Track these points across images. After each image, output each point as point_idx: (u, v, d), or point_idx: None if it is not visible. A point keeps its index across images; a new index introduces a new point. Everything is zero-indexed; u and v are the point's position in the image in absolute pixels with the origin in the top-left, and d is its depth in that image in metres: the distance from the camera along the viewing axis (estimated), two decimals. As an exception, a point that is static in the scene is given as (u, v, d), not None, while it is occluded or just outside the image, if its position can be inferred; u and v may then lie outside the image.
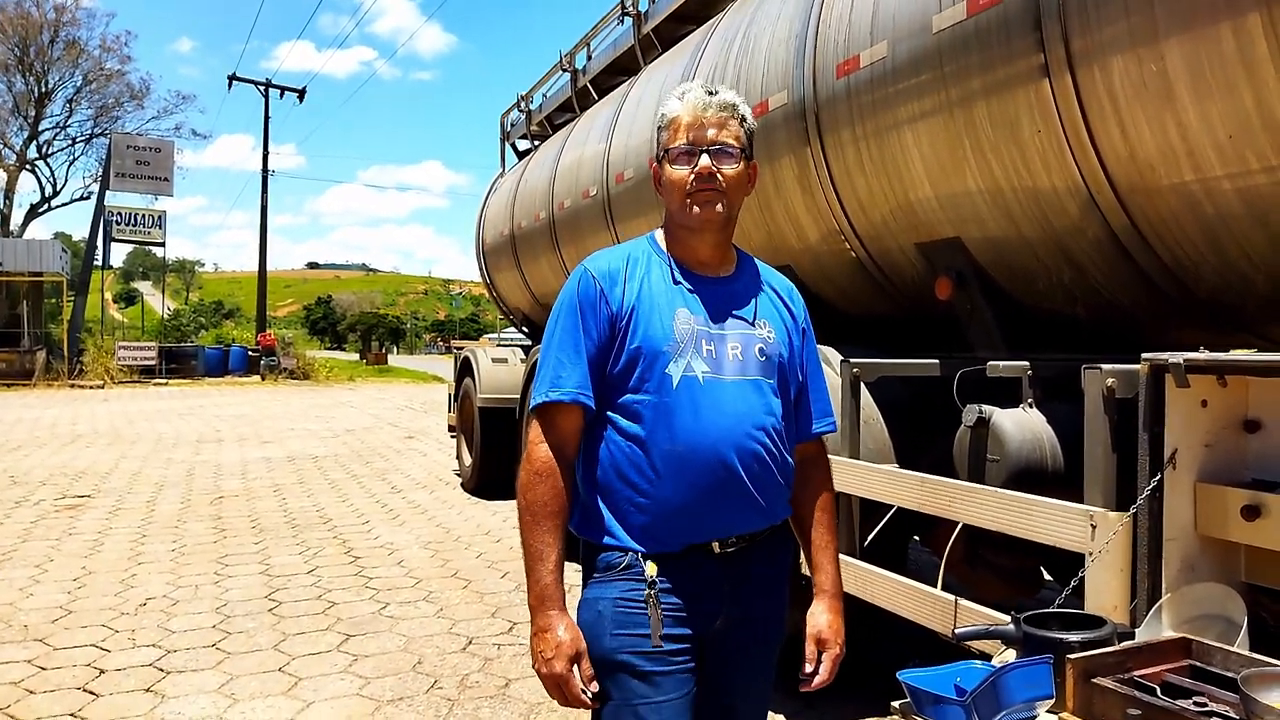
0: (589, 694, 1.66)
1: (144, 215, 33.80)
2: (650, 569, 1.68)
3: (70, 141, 38.48)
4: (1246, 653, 1.76)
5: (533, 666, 1.69)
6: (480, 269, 10.08)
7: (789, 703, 3.69)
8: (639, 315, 1.71)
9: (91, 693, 3.85)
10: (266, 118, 36.53)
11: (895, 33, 3.40)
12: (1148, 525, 2.15)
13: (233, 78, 35.79)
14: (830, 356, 3.69)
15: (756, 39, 4.46)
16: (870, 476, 3.22)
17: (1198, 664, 1.75)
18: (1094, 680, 1.66)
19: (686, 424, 1.67)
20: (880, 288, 4.01)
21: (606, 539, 1.71)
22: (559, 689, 1.65)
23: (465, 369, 8.80)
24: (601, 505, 1.72)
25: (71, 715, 3.63)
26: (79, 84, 36.96)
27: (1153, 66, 2.47)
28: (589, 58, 7.88)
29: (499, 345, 9.12)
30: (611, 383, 1.72)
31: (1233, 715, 1.53)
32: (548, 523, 1.67)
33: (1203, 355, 2.04)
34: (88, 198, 37.64)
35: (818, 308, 4.34)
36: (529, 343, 8.97)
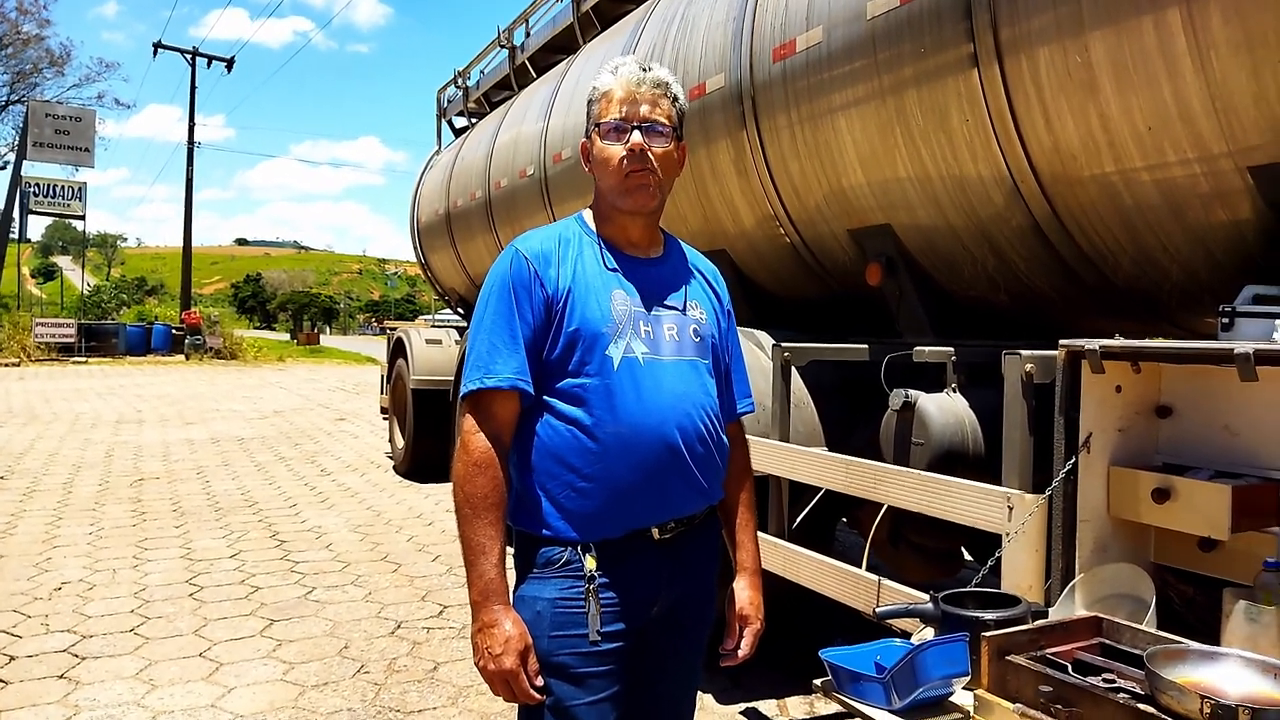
0: (536, 689, 1.62)
1: (63, 187, 32.57)
2: (589, 563, 1.65)
3: (-16, 108, 36.89)
4: (1154, 631, 1.83)
5: (476, 663, 1.63)
6: (415, 248, 9.92)
7: (717, 680, 3.73)
8: (575, 297, 1.68)
9: (1, 680, 3.72)
10: (193, 88, 35.38)
11: (831, 18, 3.41)
12: (1062, 507, 2.20)
13: (158, 45, 34.55)
14: (762, 340, 3.72)
15: (695, 20, 4.44)
16: (799, 459, 3.25)
17: (1108, 642, 1.80)
18: (1008, 658, 1.69)
19: (629, 405, 1.65)
20: (813, 273, 4.05)
21: (544, 530, 1.67)
22: (506, 685, 1.61)
23: (398, 350, 8.67)
24: (538, 492, 1.68)
25: (-22, 703, 3.50)
26: (-7, 48, 35.42)
27: (1077, 58, 2.52)
28: (528, 35, 7.79)
29: (433, 326, 8.99)
30: (549, 367, 1.68)
31: (1139, 691, 1.58)
32: (489, 515, 1.62)
33: (1117, 342, 2.09)
34: (3, 168, 36.21)
35: (751, 292, 4.38)
36: (464, 324, 8.87)
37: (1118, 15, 2.40)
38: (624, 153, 1.69)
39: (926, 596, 2.12)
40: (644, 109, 1.71)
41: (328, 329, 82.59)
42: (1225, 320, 2.17)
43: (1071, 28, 2.52)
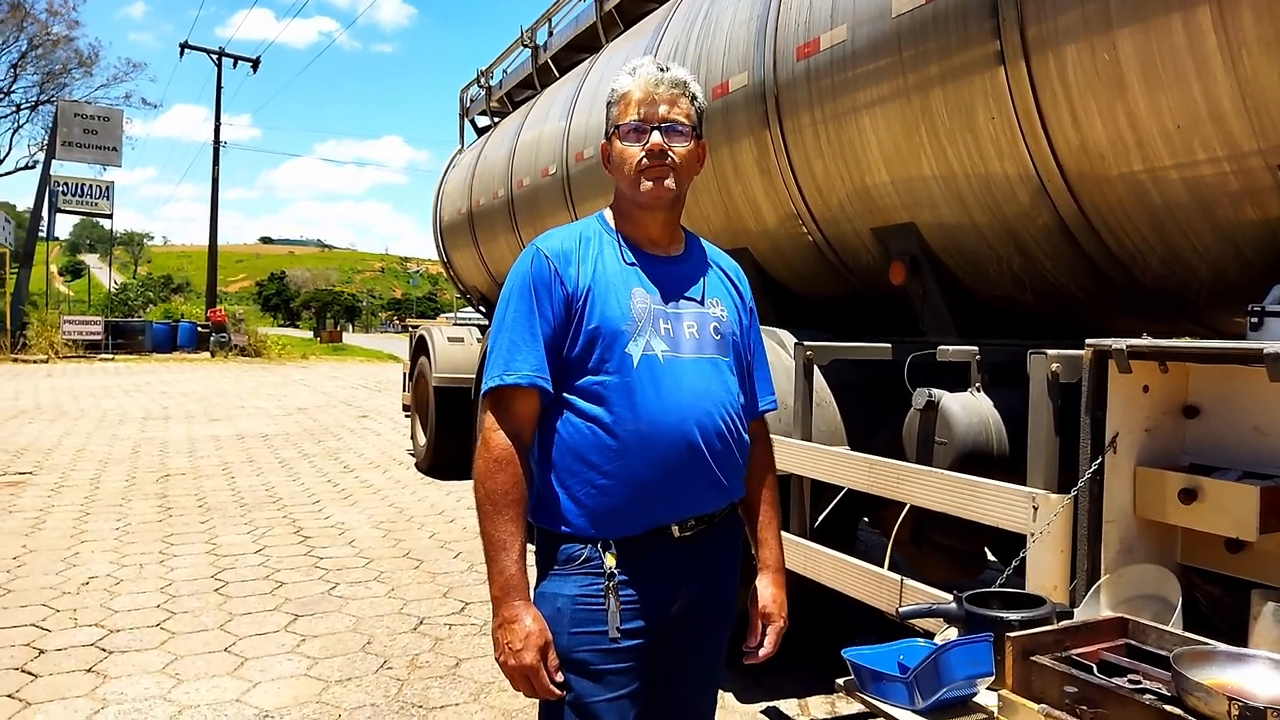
0: (556, 684, 1.63)
1: (91, 186, 32.90)
2: (609, 560, 1.66)
3: (14, 108, 37.43)
4: (1180, 632, 1.81)
5: (497, 658, 1.64)
6: (437, 247, 9.97)
7: (738, 678, 3.73)
8: (595, 295, 1.69)
9: (30, 673, 3.77)
10: (219, 88, 35.73)
11: (855, 16, 3.40)
12: (1088, 507, 2.19)
13: (185, 46, 34.91)
14: (784, 339, 3.71)
15: (718, 19, 4.44)
16: (821, 458, 3.24)
17: (1133, 643, 1.79)
18: (1033, 658, 1.69)
19: (649, 403, 1.65)
20: (835, 271, 4.03)
21: (564, 527, 1.69)
22: (527, 680, 1.62)
23: (421, 348, 8.72)
24: (558, 489, 1.69)
25: (10, 696, 3.55)
26: (24, 49, 35.85)
27: (1105, 56, 2.50)
28: (550, 34, 7.81)
29: (456, 324, 9.04)
30: (569, 364, 1.69)
31: (1165, 692, 1.57)
32: (509, 511, 1.63)
33: (1145, 342, 2.08)
34: (33, 167, 36.67)
35: (773, 290, 4.37)
36: (486, 322, 8.90)
37: (1146, 13, 2.38)
38: (642, 153, 1.70)
39: (950, 596, 2.11)
40: (663, 109, 1.71)
41: (350, 327, 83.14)
42: (1254, 320, 2.15)
43: (1099, 25, 2.50)
